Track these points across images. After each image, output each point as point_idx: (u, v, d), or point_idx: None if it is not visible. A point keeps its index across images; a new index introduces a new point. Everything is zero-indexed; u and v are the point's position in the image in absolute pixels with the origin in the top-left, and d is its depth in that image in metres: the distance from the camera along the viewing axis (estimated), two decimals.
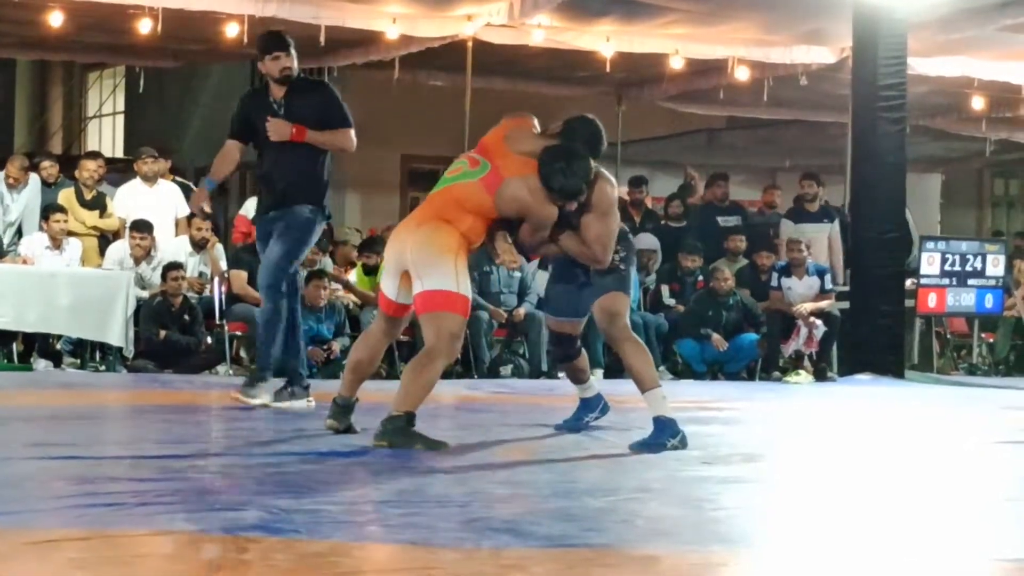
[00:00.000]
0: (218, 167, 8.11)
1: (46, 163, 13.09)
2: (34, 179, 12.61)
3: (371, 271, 12.38)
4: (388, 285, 6.23)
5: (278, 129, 7.70)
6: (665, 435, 6.08)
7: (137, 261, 12.01)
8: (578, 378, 7.02)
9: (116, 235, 12.55)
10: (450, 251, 5.97)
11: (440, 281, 5.93)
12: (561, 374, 12.04)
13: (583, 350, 7.03)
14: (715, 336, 12.52)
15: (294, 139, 7.64)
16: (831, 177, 15.50)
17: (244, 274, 12.10)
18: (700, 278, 13.16)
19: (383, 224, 16.14)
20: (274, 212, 7.75)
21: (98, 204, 12.59)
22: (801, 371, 12.80)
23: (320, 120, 7.67)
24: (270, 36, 7.99)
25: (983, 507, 4.82)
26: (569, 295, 6.63)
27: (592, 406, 7.08)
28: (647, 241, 14.13)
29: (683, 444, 6.08)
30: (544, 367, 12.33)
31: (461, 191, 6.08)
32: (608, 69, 14.63)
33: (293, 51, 7.73)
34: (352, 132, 7.75)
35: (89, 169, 12.64)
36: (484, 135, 6.32)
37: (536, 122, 6.33)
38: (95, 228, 12.50)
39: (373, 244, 12.58)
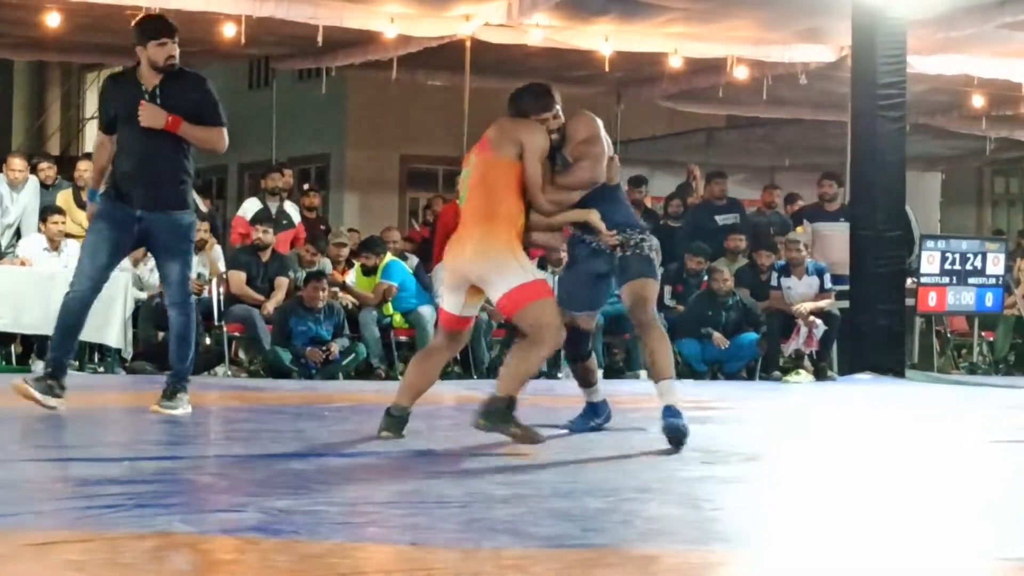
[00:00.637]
0: (97, 173, 7.46)
1: (44, 164, 13.08)
2: (33, 180, 12.60)
3: (370, 271, 12.38)
4: (452, 303, 6.26)
5: (152, 115, 7.03)
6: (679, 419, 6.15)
7: (135, 262, 11.99)
8: (587, 380, 6.93)
9: None
10: (506, 248, 6.06)
11: (512, 279, 6.02)
12: (561, 374, 12.07)
13: (592, 352, 7.00)
14: (716, 335, 12.51)
15: (168, 128, 7.03)
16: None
17: (243, 275, 12.09)
18: (705, 279, 13.16)
19: (382, 224, 16.13)
20: (147, 214, 7.14)
21: None
22: (801, 370, 12.79)
23: (195, 115, 7.12)
24: (158, 20, 7.52)
25: (983, 506, 4.81)
26: (585, 287, 6.59)
27: (599, 411, 6.97)
28: None
29: (686, 433, 6.10)
30: (544, 367, 12.30)
31: (478, 177, 6.16)
32: (607, 68, 14.63)
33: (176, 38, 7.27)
34: (225, 132, 7.20)
35: (86, 170, 12.60)
36: (482, 138, 6.39)
37: None
38: None
39: (372, 245, 12.57)
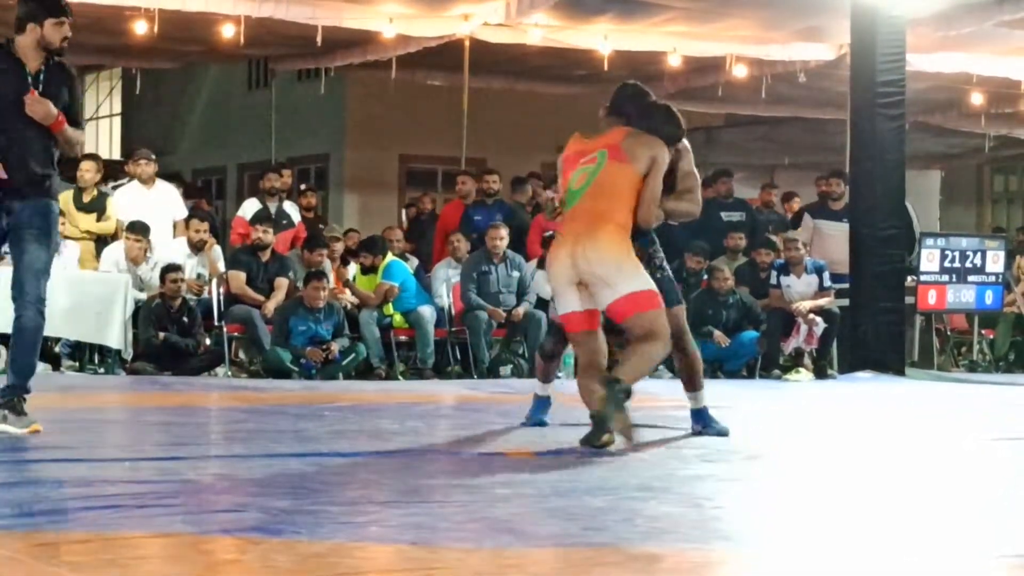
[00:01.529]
0: None
1: None
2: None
3: (368, 271, 12.37)
4: (569, 301, 6.21)
5: (45, 111, 6.51)
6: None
7: (136, 262, 12.00)
8: (550, 376, 7.17)
9: (114, 237, 12.53)
10: (628, 253, 6.17)
11: (635, 283, 6.12)
12: (562, 373, 12.06)
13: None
14: (717, 333, 12.50)
15: (53, 127, 6.55)
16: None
17: (243, 275, 12.09)
18: (705, 277, 13.15)
19: (382, 224, 16.13)
20: (21, 202, 6.48)
21: (97, 206, 12.55)
22: (801, 369, 12.78)
23: (66, 111, 6.66)
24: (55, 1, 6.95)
25: (983, 504, 4.81)
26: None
27: (548, 405, 7.16)
28: None
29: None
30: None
31: (606, 181, 6.17)
32: (606, 67, 14.63)
33: None
34: (83, 136, 6.83)
35: (88, 171, 12.60)
36: (612, 144, 6.29)
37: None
38: (88, 232, 12.45)
39: (372, 245, 12.56)
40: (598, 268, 6.11)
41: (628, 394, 5.98)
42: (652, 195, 6.29)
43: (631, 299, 6.11)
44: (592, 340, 6.31)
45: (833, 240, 13.46)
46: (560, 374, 12.15)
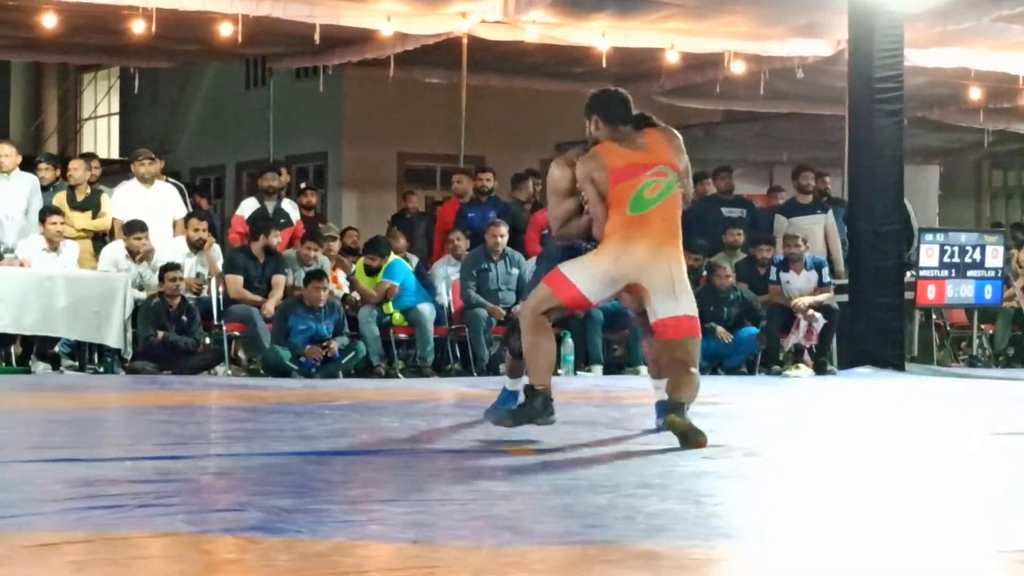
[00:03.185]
0: None
1: (43, 165, 13.07)
2: (32, 178, 12.59)
3: (373, 272, 12.36)
4: (598, 294, 6.19)
5: None
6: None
7: (142, 259, 11.99)
8: (518, 371, 7.08)
9: (111, 235, 12.53)
10: (686, 275, 6.30)
11: (694, 307, 6.24)
12: (561, 371, 12.06)
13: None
14: (719, 329, 12.50)
15: None
16: (829, 170, 15.48)
17: (239, 279, 12.09)
18: (704, 274, 13.15)
19: (381, 222, 16.13)
20: None
21: (91, 205, 12.56)
22: (801, 365, 12.79)
23: None
24: None
25: (984, 499, 4.81)
26: None
27: (516, 397, 7.14)
28: None
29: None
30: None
31: (673, 202, 6.24)
32: (604, 64, 14.63)
33: None
34: None
35: (77, 170, 12.60)
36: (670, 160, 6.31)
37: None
38: (84, 230, 12.46)
39: (377, 246, 12.54)
40: (676, 277, 6.19)
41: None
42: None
43: (688, 321, 6.22)
44: (559, 316, 6.39)
45: (809, 235, 13.50)
46: (560, 372, 12.17)
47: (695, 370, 6.27)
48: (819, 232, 13.75)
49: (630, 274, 6.14)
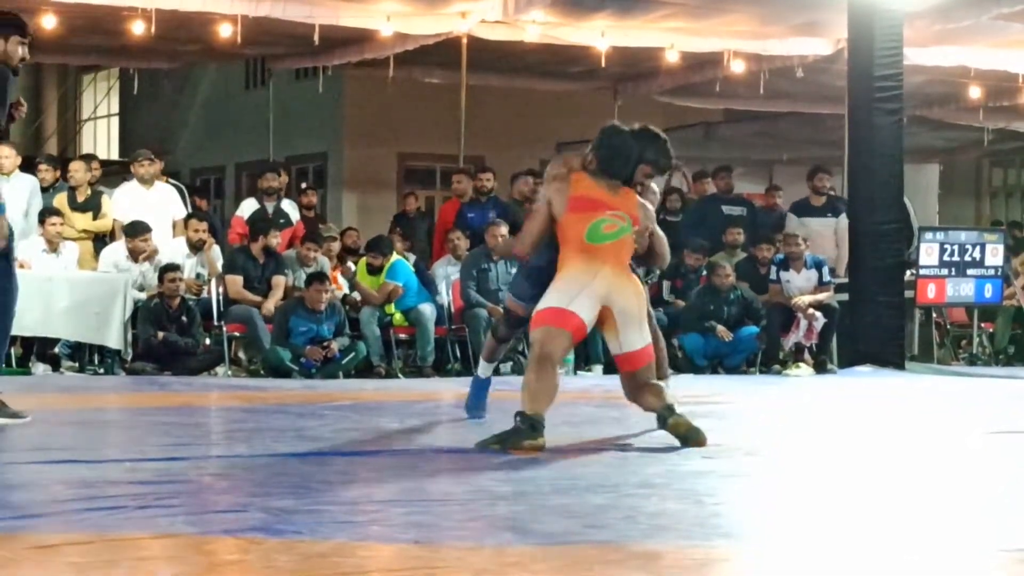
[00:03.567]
0: None
1: (43, 166, 13.08)
2: (32, 180, 12.59)
3: (375, 271, 12.35)
4: (588, 313, 6.20)
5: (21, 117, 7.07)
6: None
7: (144, 260, 12.00)
8: (496, 355, 7.35)
9: (112, 236, 12.54)
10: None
11: (648, 337, 6.31)
12: (562, 370, 12.06)
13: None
14: (720, 328, 12.51)
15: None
16: (829, 169, 15.49)
17: (239, 279, 12.10)
18: (704, 273, 13.16)
19: (380, 222, 16.14)
20: None
21: (91, 206, 12.56)
22: (801, 364, 12.79)
23: None
24: (22, 19, 7.32)
25: (984, 498, 4.81)
26: (534, 287, 6.70)
27: (488, 385, 7.34)
28: None
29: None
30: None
31: (626, 244, 6.34)
32: (603, 64, 14.63)
33: None
34: None
35: (78, 171, 12.61)
36: (576, 186, 6.35)
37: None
38: (85, 231, 12.47)
39: (379, 245, 12.54)
40: (635, 308, 6.25)
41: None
42: (660, 249, 6.67)
43: (648, 350, 6.32)
44: (569, 347, 6.49)
45: (819, 237, 13.52)
46: (560, 372, 12.17)
47: (658, 382, 6.41)
48: (829, 235, 13.71)
49: (606, 295, 6.20)
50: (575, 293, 6.16)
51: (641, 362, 6.28)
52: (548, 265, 6.49)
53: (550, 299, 6.21)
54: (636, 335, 6.24)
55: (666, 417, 6.15)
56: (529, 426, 5.88)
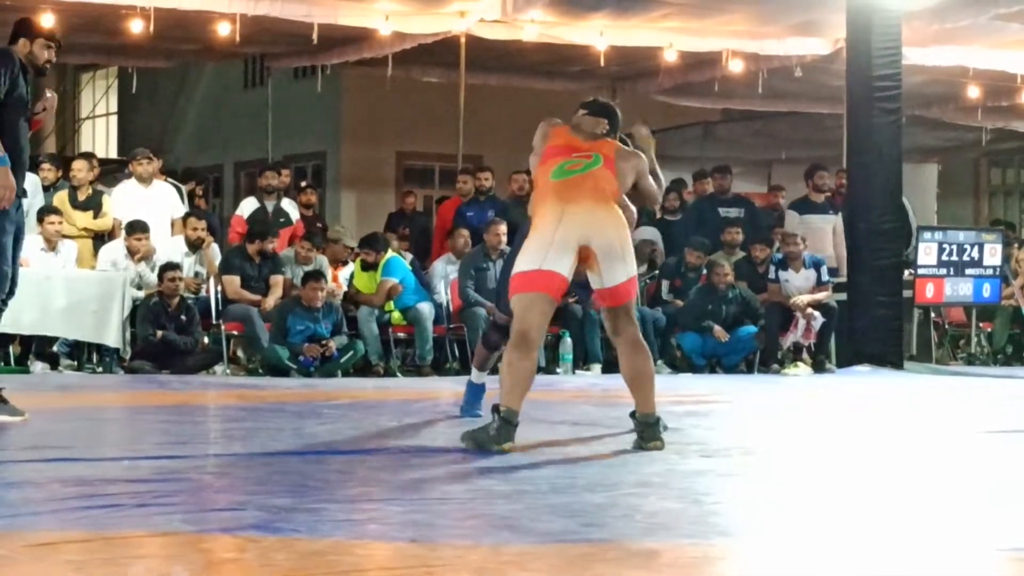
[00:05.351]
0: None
1: (46, 165, 13.09)
2: (34, 179, 12.59)
3: (369, 267, 12.36)
4: (564, 263, 5.96)
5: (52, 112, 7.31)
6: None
7: (142, 259, 12.00)
8: (487, 364, 7.25)
9: (111, 235, 12.53)
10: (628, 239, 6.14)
11: (634, 267, 6.09)
12: (560, 369, 12.07)
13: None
14: (717, 328, 12.51)
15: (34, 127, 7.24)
16: (834, 168, 15.49)
17: (236, 279, 12.09)
18: (704, 272, 13.16)
19: (379, 221, 16.12)
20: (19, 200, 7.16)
21: (92, 204, 12.57)
22: (799, 363, 12.79)
23: None
24: (49, 26, 7.58)
25: (982, 498, 4.81)
26: None
27: (483, 391, 7.27)
28: (648, 233, 14.15)
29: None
30: (542, 362, 12.29)
31: (598, 177, 6.13)
32: (602, 63, 14.63)
33: None
34: None
35: (81, 170, 12.61)
36: (555, 137, 6.30)
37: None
38: (86, 229, 12.47)
39: (373, 241, 12.55)
40: (616, 242, 6.02)
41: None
42: (649, 190, 6.38)
43: (632, 283, 6.11)
44: (549, 311, 6.09)
45: (820, 234, 13.52)
46: (560, 371, 12.17)
47: (648, 355, 6.18)
48: (828, 232, 13.72)
49: (577, 236, 5.97)
50: (546, 248, 5.94)
51: (626, 296, 6.10)
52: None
53: (523, 262, 6.01)
54: (620, 269, 6.02)
55: (650, 431, 6.01)
56: (500, 426, 5.75)
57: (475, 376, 7.34)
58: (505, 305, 6.61)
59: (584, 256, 6.01)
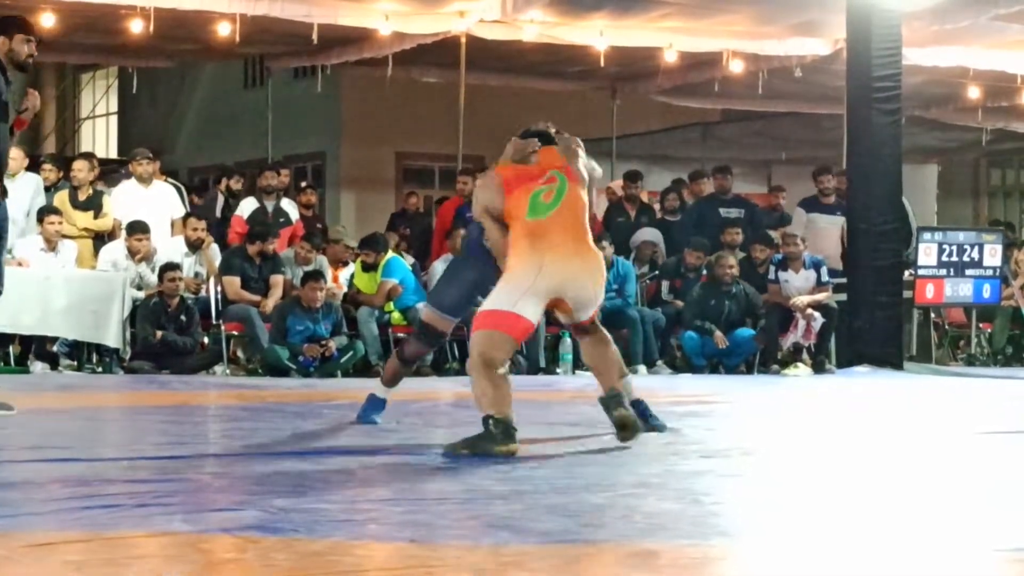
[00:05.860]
0: None
1: (47, 166, 13.09)
2: (35, 178, 12.60)
3: (370, 268, 12.36)
4: (534, 311, 5.94)
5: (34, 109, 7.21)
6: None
7: (142, 260, 12.00)
8: (397, 380, 6.99)
9: (111, 235, 12.54)
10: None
11: (600, 301, 6.19)
12: (560, 369, 12.07)
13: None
14: (717, 334, 12.47)
15: (18, 126, 7.21)
16: (835, 169, 15.49)
17: (237, 280, 12.09)
18: (704, 272, 13.16)
19: (379, 222, 16.13)
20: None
21: (93, 204, 12.57)
22: (799, 364, 12.79)
23: None
24: (24, 19, 7.51)
25: (981, 498, 4.81)
26: (463, 293, 6.60)
27: (383, 407, 6.99)
28: (649, 235, 14.15)
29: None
30: (542, 363, 12.30)
31: (571, 201, 6.11)
32: (602, 63, 14.63)
33: None
34: None
35: (81, 170, 12.62)
36: (502, 162, 6.28)
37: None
38: (87, 229, 12.48)
39: (373, 242, 12.54)
40: (590, 295, 6.06)
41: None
42: (592, 171, 6.41)
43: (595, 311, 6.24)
44: (511, 350, 6.09)
45: (826, 234, 13.51)
46: (559, 371, 12.18)
47: (606, 334, 6.28)
48: (836, 232, 13.71)
49: (554, 287, 5.94)
50: (520, 294, 5.87)
51: (590, 320, 6.19)
52: (478, 275, 6.42)
53: (494, 300, 5.92)
54: (589, 310, 6.10)
55: (616, 405, 6.01)
56: (502, 430, 5.66)
57: (380, 390, 6.98)
58: (447, 306, 6.60)
59: (556, 303, 6.04)
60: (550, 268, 5.90)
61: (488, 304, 5.96)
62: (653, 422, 6.52)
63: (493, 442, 5.63)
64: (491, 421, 5.69)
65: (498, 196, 6.14)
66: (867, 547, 3.70)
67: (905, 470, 5.63)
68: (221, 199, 13.67)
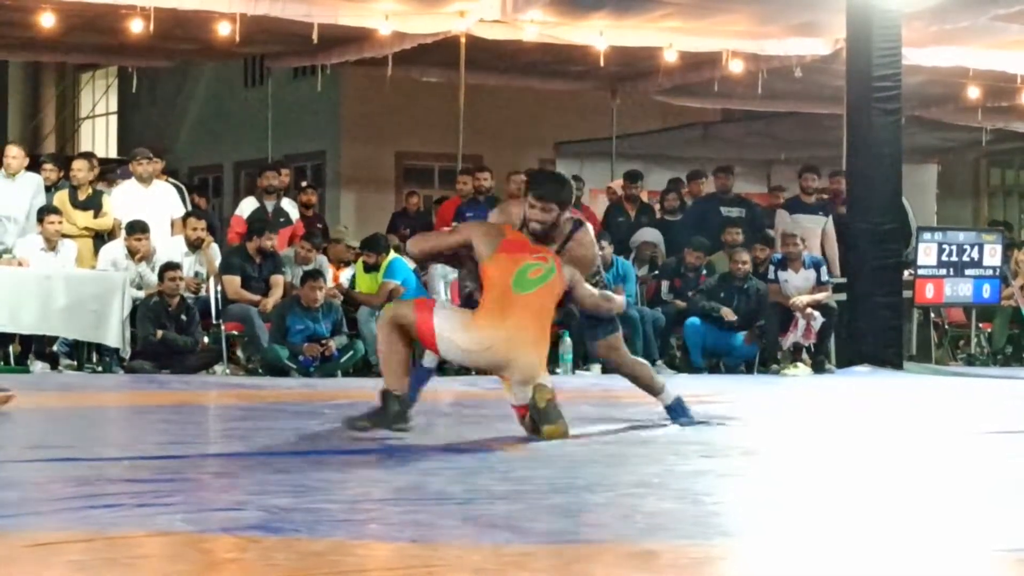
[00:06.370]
0: None
1: (48, 165, 13.09)
2: (36, 178, 12.60)
3: (371, 268, 12.35)
4: (449, 353, 6.43)
5: None
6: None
7: (143, 259, 12.00)
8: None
9: (111, 235, 12.54)
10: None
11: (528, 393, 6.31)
12: (562, 369, 12.06)
13: None
14: (724, 308, 12.47)
15: None
16: (827, 170, 15.51)
17: (237, 279, 12.09)
18: (704, 273, 13.15)
19: (378, 221, 16.13)
20: None
21: (93, 204, 12.58)
22: (799, 364, 12.79)
23: None
24: None
25: (981, 498, 4.81)
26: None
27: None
28: (649, 235, 14.14)
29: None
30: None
31: (551, 288, 6.34)
32: (602, 63, 14.63)
33: None
34: None
35: (81, 170, 12.62)
36: (502, 232, 6.43)
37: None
38: (87, 229, 12.49)
39: (375, 243, 12.54)
40: (527, 379, 6.22)
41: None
42: (588, 294, 6.62)
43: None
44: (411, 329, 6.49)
45: (809, 234, 13.54)
46: (559, 370, 12.17)
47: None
48: (817, 232, 13.77)
49: (501, 362, 6.22)
50: (455, 334, 6.22)
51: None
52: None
53: (444, 318, 6.28)
54: (522, 391, 6.26)
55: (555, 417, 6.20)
56: (397, 407, 6.08)
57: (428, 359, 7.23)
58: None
59: (496, 373, 6.36)
60: (506, 341, 6.18)
61: (438, 308, 6.40)
62: (687, 420, 6.96)
63: (387, 419, 6.10)
64: (386, 396, 6.16)
65: (488, 248, 6.36)
66: (867, 547, 3.71)
67: (905, 470, 5.63)
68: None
